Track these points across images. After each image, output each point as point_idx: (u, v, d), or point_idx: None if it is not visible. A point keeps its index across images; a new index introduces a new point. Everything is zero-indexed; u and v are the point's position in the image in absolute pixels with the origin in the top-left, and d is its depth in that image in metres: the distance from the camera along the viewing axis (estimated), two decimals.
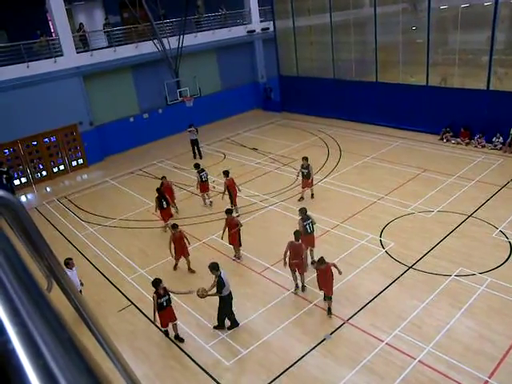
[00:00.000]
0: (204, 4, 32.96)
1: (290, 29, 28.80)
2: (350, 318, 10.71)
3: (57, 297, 1.01)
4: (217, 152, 24.01)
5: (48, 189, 22.50)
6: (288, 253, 11.42)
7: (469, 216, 14.59)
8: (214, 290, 10.40)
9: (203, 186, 17.40)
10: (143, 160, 24.13)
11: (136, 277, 13.55)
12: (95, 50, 24.32)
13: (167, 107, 26.00)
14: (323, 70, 27.50)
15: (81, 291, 11.33)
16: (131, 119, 26.46)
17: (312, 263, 12.49)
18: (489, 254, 12.51)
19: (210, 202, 17.66)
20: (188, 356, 10.23)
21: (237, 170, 20.84)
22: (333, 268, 10.69)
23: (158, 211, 15.75)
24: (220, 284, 10.25)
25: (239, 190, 16.52)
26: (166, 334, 10.78)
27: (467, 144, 20.71)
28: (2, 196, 0.93)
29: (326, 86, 27.21)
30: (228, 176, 16.22)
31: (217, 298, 10.63)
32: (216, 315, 10.81)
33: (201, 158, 22.99)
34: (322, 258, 10.50)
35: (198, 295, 10.36)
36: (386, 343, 9.78)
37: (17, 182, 22.42)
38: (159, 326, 10.63)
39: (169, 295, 10.42)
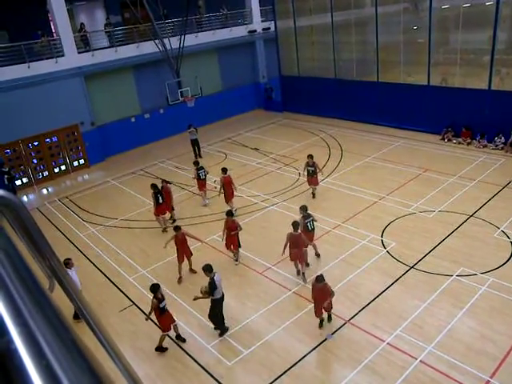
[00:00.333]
0: (205, 4, 32.97)
1: (291, 29, 28.81)
2: (352, 317, 10.71)
3: (59, 297, 1.01)
4: (218, 152, 24.02)
5: (49, 189, 22.53)
6: (288, 244, 11.92)
7: (470, 216, 14.58)
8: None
9: (201, 183, 17.55)
10: (144, 160, 24.14)
11: (137, 277, 13.55)
12: (96, 50, 24.33)
13: (168, 107, 26.01)
14: (324, 69, 27.49)
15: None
16: (132, 119, 26.48)
17: (316, 255, 13.21)
18: (490, 253, 12.50)
19: (205, 202, 17.78)
20: (189, 356, 10.23)
21: (238, 170, 20.85)
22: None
23: (153, 208, 15.99)
24: (212, 286, 10.19)
25: (235, 189, 16.58)
26: (162, 349, 10.62)
27: (468, 144, 20.70)
28: (3, 196, 0.93)
29: (328, 85, 27.20)
30: (226, 173, 16.31)
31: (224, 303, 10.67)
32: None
33: (200, 157, 23.02)
34: (321, 275, 10.02)
35: (201, 291, 10.43)
36: (388, 343, 9.77)
37: (18, 183, 22.45)
38: (161, 327, 10.57)
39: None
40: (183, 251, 12.94)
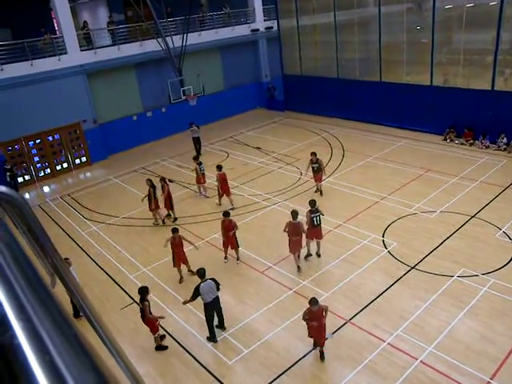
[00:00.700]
0: (208, 3, 32.97)
1: (293, 28, 28.79)
2: (352, 317, 10.71)
3: (62, 295, 1.02)
4: (220, 151, 24.02)
5: (51, 186, 22.56)
6: (288, 233, 12.38)
7: (472, 217, 14.56)
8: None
9: (200, 178, 18.03)
10: (146, 158, 24.16)
11: (139, 275, 13.57)
12: (99, 48, 24.33)
13: (171, 106, 26.00)
14: (327, 69, 27.46)
15: None
16: (134, 117, 26.48)
17: (317, 255, 13.27)
18: (492, 254, 12.48)
19: (205, 195, 18.28)
20: (190, 354, 10.25)
21: (240, 168, 20.86)
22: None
23: (147, 201, 16.30)
24: (194, 292, 10.13)
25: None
26: (162, 348, 10.60)
27: (471, 144, 20.66)
28: (6, 193, 0.93)
29: (330, 85, 27.18)
30: (221, 170, 16.68)
31: (223, 302, 10.65)
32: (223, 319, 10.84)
33: (200, 154, 23.12)
34: (314, 298, 9.28)
35: None
36: (388, 343, 9.77)
37: (20, 180, 22.48)
38: (154, 332, 10.46)
39: None
40: (179, 256, 12.76)
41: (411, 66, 23.68)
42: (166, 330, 11.06)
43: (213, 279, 10.28)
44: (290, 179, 19.06)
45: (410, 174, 18.28)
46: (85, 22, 26.13)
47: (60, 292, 1.07)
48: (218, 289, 10.32)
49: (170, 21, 25.98)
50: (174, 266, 12.90)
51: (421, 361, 9.21)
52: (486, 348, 9.37)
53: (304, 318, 9.48)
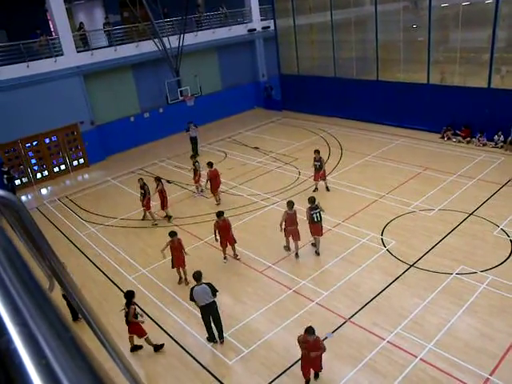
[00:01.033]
0: (204, 3, 32.94)
1: (290, 27, 28.79)
2: (352, 316, 10.72)
3: (57, 299, 1.01)
4: (218, 151, 24.01)
5: (49, 189, 22.52)
6: (284, 222, 12.95)
7: (470, 214, 14.59)
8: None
9: (197, 176, 18.39)
10: (144, 159, 24.14)
11: (137, 276, 13.57)
12: (95, 49, 24.31)
13: (168, 106, 25.97)
14: (324, 68, 27.48)
15: None
16: (132, 118, 26.46)
17: (314, 247, 13.52)
18: (490, 252, 12.51)
19: (202, 190, 18.61)
20: (190, 355, 10.24)
21: (238, 168, 20.87)
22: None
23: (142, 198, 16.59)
24: (190, 294, 10.12)
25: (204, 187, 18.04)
26: (159, 347, 10.62)
27: (468, 142, 20.70)
28: (3, 196, 0.93)
29: (327, 84, 27.19)
30: (212, 167, 17.09)
31: (222, 303, 10.62)
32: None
33: (197, 154, 23.19)
34: (311, 327, 8.52)
35: None
36: (388, 341, 9.78)
37: (18, 182, 22.44)
38: (137, 334, 10.42)
39: None
40: (178, 259, 12.65)
41: (408, 65, 23.69)
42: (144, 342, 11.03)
43: (209, 284, 10.13)
44: (289, 179, 19.06)
45: (408, 172, 18.30)
46: (81, 23, 26.08)
47: (55, 295, 1.06)
48: (215, 294, 10.11)
49: (166, 21, 25.96)
50: (173, 267, 12.86)
51: (420, 358, 9.23)
52: (485, 345, 9.39)
53: (301, 347, 8.78)
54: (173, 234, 12.61)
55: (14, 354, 0.61)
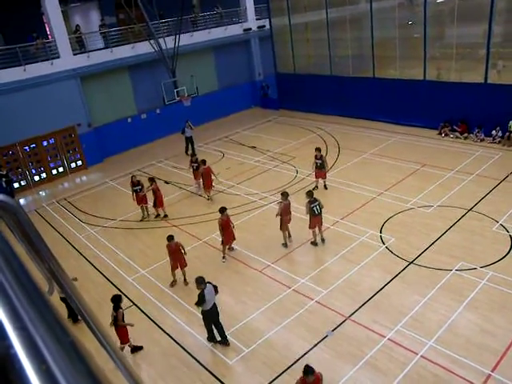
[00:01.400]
0: (199, 3, 32.92)
1: (286, 26, 28.79)
2: (352, 314, 10.72)
3: (56, 303, 1.01)
4: (215, 151, 24.01)
5: (47, 191, 22.49)
6: (280, 212, 13.52)
7: (469, 210, 14.60)
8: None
9: (197, 174, 18.52)
10: (142, 160, 24.12)
11: (137, 277, 13.55)
12: (92, 51, 24.28)
13: (165, 107, 25.96)
14: (320, 66, 27.48)
15: None
16: (129, 120, 26.44)
17: (315, 245, 13.68)
18: (489, 247, 12.52)
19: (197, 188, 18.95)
20: (190, 355, 10.24)
21: (236, 168, 20.87)
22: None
23: (135, 195, 17.01)
24: (200, 299, 9.91)
25: (217, 180, 18.42)
26: (137, 348, 10.65)
27: (466, 138, 20.71)
28: (1, 199, 0.93)
29: (324, 82, 27.19)
30: (205, 164, 17.62)
31: (222, 302, 10.62)
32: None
33: (194, 154, 23.39)
34: (308, 366, 7.91)
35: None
36: (388, 339, 9.78)
37: (16, 185, 22.41)
38: (120, 339, 10.27)
39: None
40: (176, 261, 12.57)
41: (404, 61, 23.70)
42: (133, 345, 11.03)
43: (209, 282, 10.14)
44: (287, 177, 19.06)
45: (406, 169, 18.31)
46: (77, 25, 26.08)
47: (53, 298, 1.06)
48: (217, 291, 10.19)
49: (162, 22, 25.94)
50: (172, 270, 12.81)
51: (421, 355, 9.23)
52: (486, 341, 9.39)
53: None
54: (170, 238, 12.47)
55: (14, 358, 0.61)
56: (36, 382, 0.59)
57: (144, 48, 25.27)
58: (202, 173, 17.57)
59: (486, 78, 20.26)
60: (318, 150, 17.02)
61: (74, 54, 23.55)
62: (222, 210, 13.36)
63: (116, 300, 10.21)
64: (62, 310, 10.52)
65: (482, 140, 20.19)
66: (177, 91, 25.23)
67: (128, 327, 10.34)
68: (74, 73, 23.23)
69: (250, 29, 31.01)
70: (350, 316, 10.67)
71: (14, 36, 23.51)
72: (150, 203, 17.14)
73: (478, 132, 20.32)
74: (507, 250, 12.29)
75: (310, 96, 28.26)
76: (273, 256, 13.44)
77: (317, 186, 17.43)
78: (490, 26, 19.51)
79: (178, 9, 24.39)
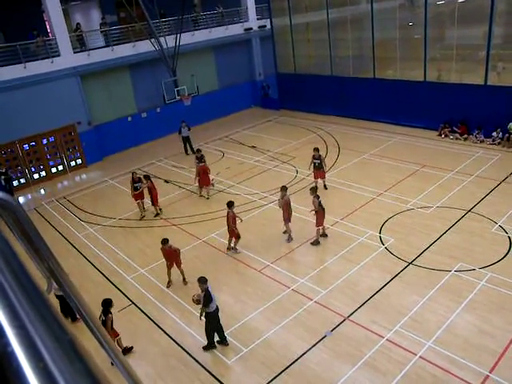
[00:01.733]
0: (201, 2, 32.91)
1: (287, 26, 28.80)
2: (351, 314, 10.72)
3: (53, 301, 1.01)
4: (215, 150, 24.00)
5: (47, 189, 22.47)
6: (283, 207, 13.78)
7: (468, 211, 14.60)
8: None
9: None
10: (142, 159, 24.11)
11: (136, 276, 13.55)
12: (92, 49, 24.27)
13: (165, 106, 25.97)
14: (321, 67, 27.48)
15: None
16: (129, 118, 26.43)
17: (325, 235, 14.16)
18: (488, 248, 12.52)
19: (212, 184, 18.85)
20: (189, 355, 10.24)
21: (236, 167, 20.86)
22: None
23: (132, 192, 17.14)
24: (207, 298, 9.73)
25: (212, 180, 18.55)
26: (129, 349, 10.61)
27: (465, 139, 20.72)
28: (0, 197, 0.93)
29: (324, 83, 27.19)
30: (201, 162, 17.97)
31: (221, 302, 10.59)
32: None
33: (188, 154, 23.80)
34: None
35: (193, 300, 10.13)
36: (387, 339, 9.79)
37: (15, 183, 22.40)
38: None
39: None
40: (173, 260, 12.48)
41: (405, 62, 23.71)
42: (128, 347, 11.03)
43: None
44: (287, 177, 19.06)
45: (406, 169, 18.32)
46: (77, 23, 26.07)
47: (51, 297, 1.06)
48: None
49: (163, 21, 25.94)
50: (167, 267, 12.75)
51: (420, 356, 9.23)
52: (485, 342, 9.40)
53: None
54: (164, 241, 12.34)
55: (12, 357, 0.61)
56: (34, 380, 0.59)
57: (145, 47, 25.27)
58: (199, 170, 17.80)
59: (486, 80, 20.27)
60: (316, 149, 16.99)
61: (75, 52, 23.53)
62: (231, 204, 13.55)
63: (106, 304, 9.96)
64: (56, 307, 10.52)
65: (481, 141, 20.19)
66: (177, 90, 25.24)
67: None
68: (74, 71, 23.22)
69: (251, 28, 31.01)
70: (348, 316, 10.68)
71: (15, 34, 23.53)
72: (147, 200, 17.32)
73: (478, 133, 20.32)
74: (506, 252, 12.30)
75: (310, 96, 28.27)
76: (272, 256, 13.44)
77: (316, 187, 17.39)
78: (491, 28, 19.52)
79: (179, 8, 24.40)
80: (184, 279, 12.75)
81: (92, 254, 15.28)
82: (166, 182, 20.29)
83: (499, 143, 19.65)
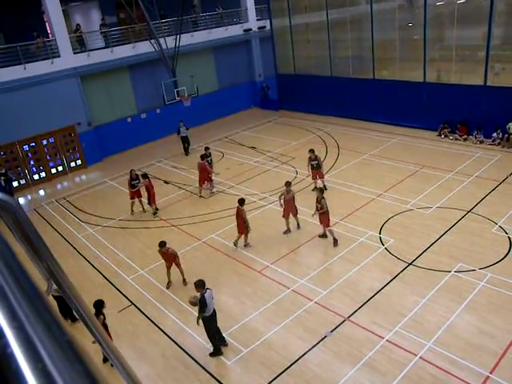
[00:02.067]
0: (200, 3, 32.92)
1: (286, 27, 28.81)
2: (351, 315, 10.72)
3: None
4: (215, 151, 23.98)
5: (47, 190, 22.48)
6: (283, 201, 14.22)
7: (468, 212, 14.60)
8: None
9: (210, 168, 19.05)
10: (142, 160, 24.11)
11: (136, 277, 13.55)
12: (92, 50, 24.28)
13: (165, 107, 25.96)
14: (320, 67, 27.49)
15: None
16: (129, 119, 26.43)
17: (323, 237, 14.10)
18: (488, 249, 12.52)
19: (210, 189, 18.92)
20: (189, 355, 10.23)
21: (236, 168, 20.86)
22: None
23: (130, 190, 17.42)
24: (202, 304, 9.62)
25: (214, 174, 18.98)
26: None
27: (465, 140, 20.72)
28: (0, 198, 0.92)
29: (324, 83, 27.20)
30: (202, 160, 18.19)
31: (221, 303, 10.58)
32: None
33: (187, 154, 23.97)
34: None
35: (190, 302, 10.04)
36: (387, 340, 9.78)
37: (15, 184, 22.40)
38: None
39: None
40: (171, 261, 12.46)
41: (404, 63, 23.74)
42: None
43: (208, 288, 9.93)
44: (287, 178, 18.93)
45: (406, 170, 18.32)
46: (77, 24, 26.06)
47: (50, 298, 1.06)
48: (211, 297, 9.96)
49: (162, 22, 25.95)
50: (166, 267, 12.78)
51: (420, 357, 9.23)
52: (485, 342, 9.39)
53: None
54: (161, 244, 12.30)
55: (11, 358, 0.61)
56: (32, 380, 0.59)
57: (144, 48, 25.28)
58: (199, 168, 18.00)
59: (485, 80, 20.28)
60: (311, 151, 16.88)
61: (75, 53, 23.54)
62: (242, 201, 13.72)
63: (98, 305, 9.90)
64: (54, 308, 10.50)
65: (481, 142, 20.20)
66: (177, 91, 25.25)
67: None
68: (74, 72, 23.22)
69: (251, 29, 31.02)
70: (349, 317, 10.67)
71: (15, 34, 23.55)
72: (144, 200, 17.39)
73: (478, 134, 20.33)
74: (505, 252, 12.30)
75: (310, 97, 28.27)
76: (272, 256, 13.44)
77: (316, 187, 17.41)
78: (490, 29, 19.53)
79: (179, 9, 24.41)
80: (184, 280, 12.73)
81: (92, 254, 15.28)
82: (166, 182, 20.29)
83: (499, 144, 19.65)
